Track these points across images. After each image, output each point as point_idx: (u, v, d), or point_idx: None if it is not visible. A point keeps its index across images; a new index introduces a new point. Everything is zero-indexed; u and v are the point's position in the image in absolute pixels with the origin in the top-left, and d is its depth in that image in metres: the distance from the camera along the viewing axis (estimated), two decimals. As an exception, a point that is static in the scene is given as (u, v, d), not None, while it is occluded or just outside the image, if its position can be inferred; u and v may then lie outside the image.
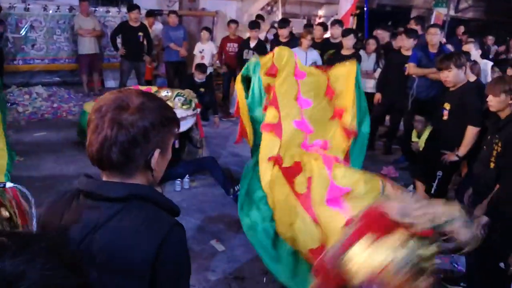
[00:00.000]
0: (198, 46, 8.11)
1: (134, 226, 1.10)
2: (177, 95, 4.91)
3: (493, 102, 3.01)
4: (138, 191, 1.15)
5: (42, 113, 7.11)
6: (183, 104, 4.86)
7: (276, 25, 8.47)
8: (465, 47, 5.87)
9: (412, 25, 6.69)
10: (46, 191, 3.97)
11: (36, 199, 3.60)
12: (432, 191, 4.02)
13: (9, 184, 0.96)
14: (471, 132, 3.73)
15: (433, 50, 5.37)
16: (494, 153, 2.97)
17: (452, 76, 3.80)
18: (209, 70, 8.24)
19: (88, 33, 8.09)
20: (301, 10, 12.65)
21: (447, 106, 3.91)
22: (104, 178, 1.19)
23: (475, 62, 5.08)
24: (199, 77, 6.83)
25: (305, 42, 6.33)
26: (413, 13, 12.67)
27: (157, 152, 1.16)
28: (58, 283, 0.64)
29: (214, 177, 4.79)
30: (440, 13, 11.43)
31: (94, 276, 1.09)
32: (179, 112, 4.63)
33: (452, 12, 12.58)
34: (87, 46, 8.16)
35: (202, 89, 6.78)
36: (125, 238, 1.10)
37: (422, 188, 4.19)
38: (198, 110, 5.20)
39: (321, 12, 12.20)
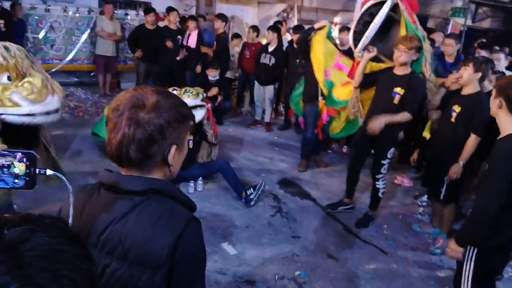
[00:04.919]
0: (231, 51, 8.22)
1: (153, 218, 1.14)
2: (185, 92, 4.94)
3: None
4: (157, 186, 1.19)
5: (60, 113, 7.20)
6: (193, 96, 4.91)
7: (291, 31, 8.52)
8: (495, 56, 5.46)
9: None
10: (62, 188, 4.04)
11: (52, 196, 3.68)
12: (441, 197, 3.97)
13: (49, 172, 1.00)
14: (472, 141, 3.68)
15: (449, 59, 5.35)
16: None
17: (466, 75, 3.72)
18: (232, 74, 8.36)
19: (108, 36, 8.20)
20: (317, 16, 12.68)
21: (456, 108, 3.83)
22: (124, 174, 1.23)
23: (502, 74, 4.71)
24: (212, 75, 6.87)
25: None
26: (430, 23, 12.61)
27: (173, 148, 1.20)
28: (63, 249, 0.62)
29: (227, 181, 4.82)
30: (458, 23, 11.36)
31: (114, 266, 1.13)
32: (188, 101, 4.64)
33: (469, 22, 12.48)
34: (105, 47, 8.27)
35: (216, 88, 6.83)
36: (144, 230, 1.13)
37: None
38: (209, 105, 5.20)
39: (337, 19, 12.18)
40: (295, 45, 6.84)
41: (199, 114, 4.83)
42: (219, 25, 7.75)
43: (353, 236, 4.31)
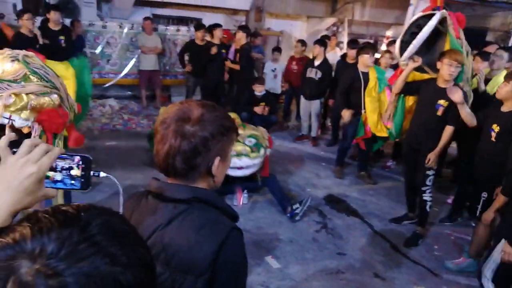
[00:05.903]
0: (269, 65, 8.27)
1: (196, 226, 1.18)
2: (249, 136, 4.81)
3: None
4: (201, 195, 1.22)
5: (114, 124, 7.53)
6: (252, 150, 4.71)
7: (341, 45, 8.47)
8: None
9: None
10: (113, 196, 4.19)
11: (104, 203, 3.80)
12: (477, 213, 3.81)
13: (102, 174, 1.06)
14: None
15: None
16: None
17: (505, 91, 3.59)
18: (278, 90, 8.41)
19: (149, 51, 8.47)
20: (368, 30, 12.54)
21: (495, 128, 3.67)
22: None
23: None
24: (258, 90, 6.91)
25: (384, 60, 6.36)
26: (489, 36, 12.14)
27: (217, 160, 1.23)
28: (127, 229, 0.71)
29: (272, 194, 4.81)
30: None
31: (158, 270, 1.16)
32: (245, 161, 4.62)
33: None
34: (148, 62, 8.53)
35: (263, 103, 6.85)
36: (188, 237, 1.17)
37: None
38: (269, 151, 4.99)
39: (388, 33, 12.00)
40: (349, 60, 6.81)
41: (252, 169, 4.77)
42: (240, 36, 7.59)
43: (401, 255, 4.17)
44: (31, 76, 2.57)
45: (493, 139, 3.70)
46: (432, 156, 4.10)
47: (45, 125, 2.67)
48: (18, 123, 2.50)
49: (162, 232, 1.19)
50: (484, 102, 4.29)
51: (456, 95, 3.78)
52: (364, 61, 5.65)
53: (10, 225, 0.67)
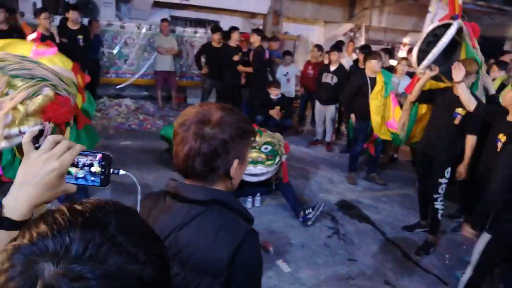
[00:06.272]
0: (281, 70, 8.29)
1: (214, 228, 1.19)
2: (265, 143, 4.78)
3: None
4: (220, 197, 1.24)
5: (130, 124, 7.60)
6: (267, 158, 4.71)
7: (357, 51, 8.45)
8: None
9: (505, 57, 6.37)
10: (127, 195, 4.22)
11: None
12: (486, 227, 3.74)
13: (121, 172, 1.08)
14: None
15: None
16: None
17: (510, 97, 3.54)
18: (292, 93, 8.42)
19: (166, 52, 8.54)
20: (385, 37, 12.49)
21: (502, 138, 3.60)
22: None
23: None
24: (274, 93, 6.92)
25: (400, 67, 6.42)
26: (507, 45, 12.01)
27: (235, 162, 1.25)
28: (145, 229, 0.72)
29: (285, 198, 4.82)
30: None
31: (174, 271, 1.18)
32: (260, 169, 4.65)
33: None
34: (164, 63, 8.61)
35: (278, 107, 6.86)
36: (206, 238, 1.18)
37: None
38: (285, 157, 4.96)
39: (406, 40, 11.93)
40: (361, 65, 6.80)
41: (266, 176, 4.80)
42: (254, 39, 7.59)
43: (412, 263, 4.14)
44: (14, 81, 2.47)
45: (498, 149, 3.63)
46: (461, 169, 4.09)
47: (54, 121, 2.66)
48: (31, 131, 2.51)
49: (179, 233, 1.20)
50: (492, 102, 4.25)
51: (456, 73, 3.81)
52: (372, 67, 5.69)
53: (28, 222, 0.68)
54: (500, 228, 3.05)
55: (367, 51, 6.71)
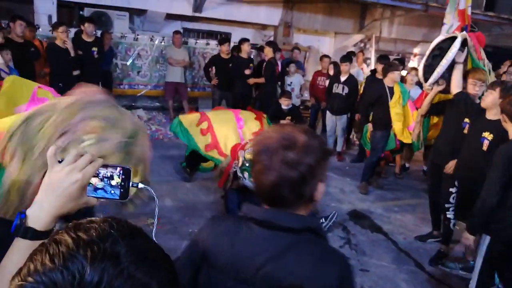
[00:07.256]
0: (286, 80, 8.35)
1: (314, 258, 1.17)
2: None
3: None
4: (313, 224, 1.22)
5: (142, 135, 7.64)
6: None
7: (368, 61, 8.47)
8: None
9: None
10: (142, 207, 4.26)
11: (125, 211, 3.87)
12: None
13: (141, 185, 1.10)
14: None
15: None
16: None
17: (490, 100, 3.55)
18: (297, 102, 8.46)
19: (176, 63, 8.61)
20: (395, 47, 12.49)
21: (488, 136, 3.55)
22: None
23: None
24: (285, 104, 6.97)
25: (410, 78, 6.60)
26: (518, 55, 11.94)
27: (320, 185, 1.23)
28: (155, 254, 0.70)
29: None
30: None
31: None
32: None
33: None
34: (174, 74, 8.65)
35: (289, 117, 6.90)
36: (308, 269, 1.15)
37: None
38: None
39: (416, 50, 11.93)
40: (379, 76, 6.82)
41: None
42: (267, 51, 7.64)
43: (425, 273, 4.12)
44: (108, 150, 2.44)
45: (484, 148, 3.58)
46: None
47: None
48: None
49: (276, 263, 1.16)
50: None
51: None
52: (394, 78, 5.78)
53: (46, 240, 0.67)
54: (498, 228, 3.06)
55: (386, 61, 6.74)
